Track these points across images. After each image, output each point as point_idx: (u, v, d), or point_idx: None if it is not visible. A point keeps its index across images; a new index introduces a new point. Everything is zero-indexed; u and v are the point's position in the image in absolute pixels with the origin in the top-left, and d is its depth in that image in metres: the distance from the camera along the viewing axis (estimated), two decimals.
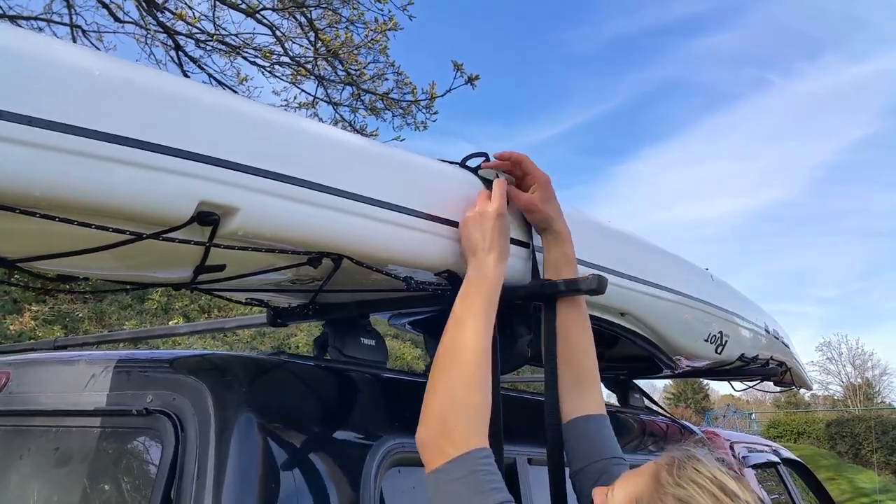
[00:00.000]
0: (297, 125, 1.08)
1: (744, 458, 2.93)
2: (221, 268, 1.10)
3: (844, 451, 17.89)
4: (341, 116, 8.03)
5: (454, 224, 1.24)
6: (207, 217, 0.93)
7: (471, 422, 1.05)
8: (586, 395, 1.27)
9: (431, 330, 1.73)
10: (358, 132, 8.14)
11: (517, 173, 1.35)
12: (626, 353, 2.20)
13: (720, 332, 2.09)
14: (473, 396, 1.07)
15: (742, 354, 2.34)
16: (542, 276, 1.35)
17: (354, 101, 8.01)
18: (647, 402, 2.60)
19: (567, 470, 1.24)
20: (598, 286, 1.24)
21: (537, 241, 1.38)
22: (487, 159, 1.36)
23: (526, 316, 1.41)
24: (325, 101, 8.04)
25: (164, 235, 0.94)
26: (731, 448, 2.90)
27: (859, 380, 38.31)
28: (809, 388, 3.80)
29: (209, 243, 0.97)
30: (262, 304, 1.55)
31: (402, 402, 1.38)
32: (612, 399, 2.55)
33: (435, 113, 7.84)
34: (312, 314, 1.51)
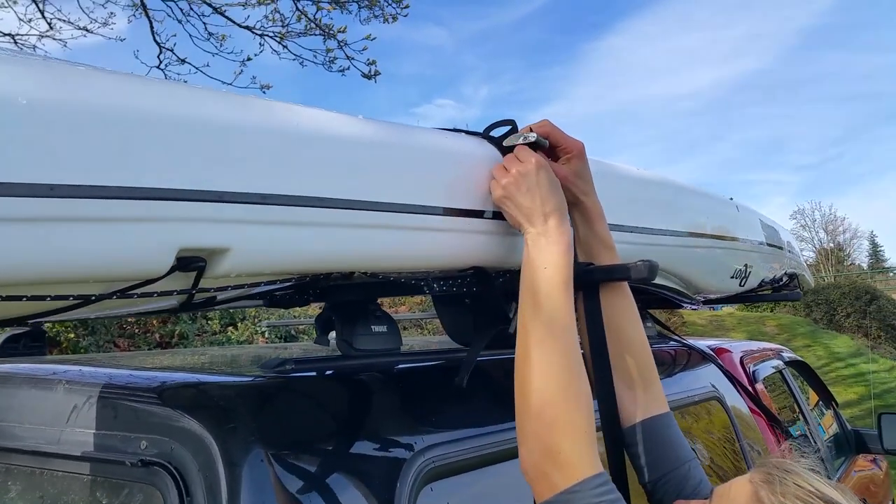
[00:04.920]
0: (288, 121, 0.84)
1: (754, 372, 2.88)
2: (213, 300, 0.92)
3: (819, 317, 18.45)
4: (302, 12, 7.52)
5: (478, 215, 1.05)
6: (191, 264, 0.74)
7: (577, 444, 0.89)
8: (650, 393, 1.12)
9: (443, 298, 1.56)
10: (323, 30, 7.69)
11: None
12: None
13: (745, 266, 1.96)
14: (573, 412, 0.91)
15: (762, 281, 2.23)
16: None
17: None
18: (659, 329, 2.50)
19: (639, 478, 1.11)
20: (649, 274, 1.07)
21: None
22: (515, 128, 1.15)
23: None
24: None
25: (140, 290, 0.75)
26: (742, 364, 2.84)
27: (831, 244, 39.39)
28: (811, 287, 3.76)
29: (193, 290, 0.79)
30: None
31: (428, 395, 1.23)
32: None
33: (406, 7, 7.40)
34: (314, 298, 1.34)
